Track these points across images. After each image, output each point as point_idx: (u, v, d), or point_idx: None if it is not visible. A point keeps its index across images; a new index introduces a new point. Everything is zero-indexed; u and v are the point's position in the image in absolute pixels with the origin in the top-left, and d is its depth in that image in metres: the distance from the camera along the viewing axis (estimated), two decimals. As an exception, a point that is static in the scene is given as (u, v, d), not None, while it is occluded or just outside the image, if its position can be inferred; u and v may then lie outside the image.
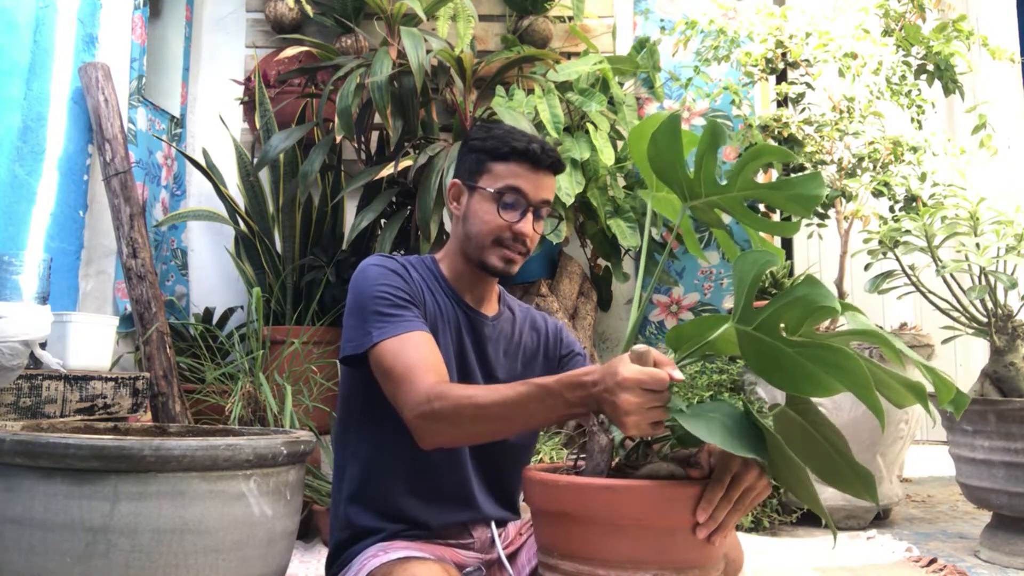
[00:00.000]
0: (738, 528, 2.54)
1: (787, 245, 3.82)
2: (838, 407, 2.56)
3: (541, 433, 2.65)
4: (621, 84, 3.39)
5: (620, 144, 3.18)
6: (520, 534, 1.37)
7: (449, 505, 1.29)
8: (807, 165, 2.86)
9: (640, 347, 0.99)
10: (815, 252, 3.75)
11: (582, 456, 1.11)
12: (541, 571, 1.04)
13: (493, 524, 1.33)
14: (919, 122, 2.85)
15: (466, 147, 1.37)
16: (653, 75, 3.49)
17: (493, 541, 1.32)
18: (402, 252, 3.05)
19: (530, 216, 1.31)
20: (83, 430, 1.39)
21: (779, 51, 2.90)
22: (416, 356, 1.18)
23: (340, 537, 1.31)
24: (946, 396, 0.95)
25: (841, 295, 2.90)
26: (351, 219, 3.10)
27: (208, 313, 3.25)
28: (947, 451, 2.37)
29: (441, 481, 1.28)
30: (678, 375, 0.97)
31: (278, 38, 3.53)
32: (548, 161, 1.32)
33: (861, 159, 2.85)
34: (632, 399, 0.94)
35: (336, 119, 2.81)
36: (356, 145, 3.18)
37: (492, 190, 1.30)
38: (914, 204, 2.72)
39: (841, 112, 2.84)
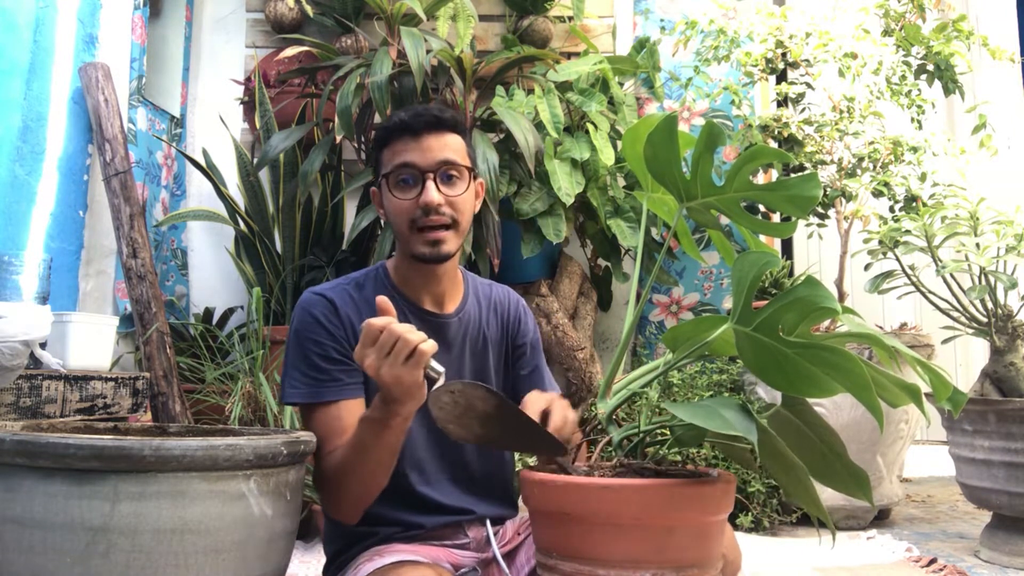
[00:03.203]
0: (738, 528, 2.55)
1: (787, 245, 3.82)
2: (838, 408, 2.56)
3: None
4: (621, 84, 3.39)
5: (620, 144, 3.18)
6: (518, 533, 1.37)
7: (434, 508, 1.29)
8: (807, 165, 2.86)
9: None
10: (815, 252, 3.75)
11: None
12: (540, 571, 1.04)
13: (488, 523, 1.32)
14: (919, 122, 2.85)
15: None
16: (653, 75, 3.49)
17: (489, 541, 1.32)
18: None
19: (430, 183, 1.22)
20: (83, 430, 1.40)
21: (779, 51, 2.90)
22: (322, 435, 1.20)
23: (335, 545, 1.31)
24: (943, 394, 0.95)
25: (841, 295, 2.90)
26: (351, 219, 3.10)
27: (208, 313, 3.25)
28: (947, 451, 2.37)
29: (420, 488, 1.27)
30: (381, 298, 1.05)
31: (278, 38, 3.53)
32: (422, 123, 1.23)
33: (861, 159, 2.85)
34: (371, 362, 1.01)
35: (336, 119, 2.81)
36: (356, 145, 3.19)
37: (384, 178, 1.26)
38: (914, 204, 2.72)
39: (841, 112, 2.84)
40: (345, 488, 1.17)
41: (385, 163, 1.27)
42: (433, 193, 1.22)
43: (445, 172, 1.24)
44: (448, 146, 1.25)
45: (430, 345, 1.02)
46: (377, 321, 1.02)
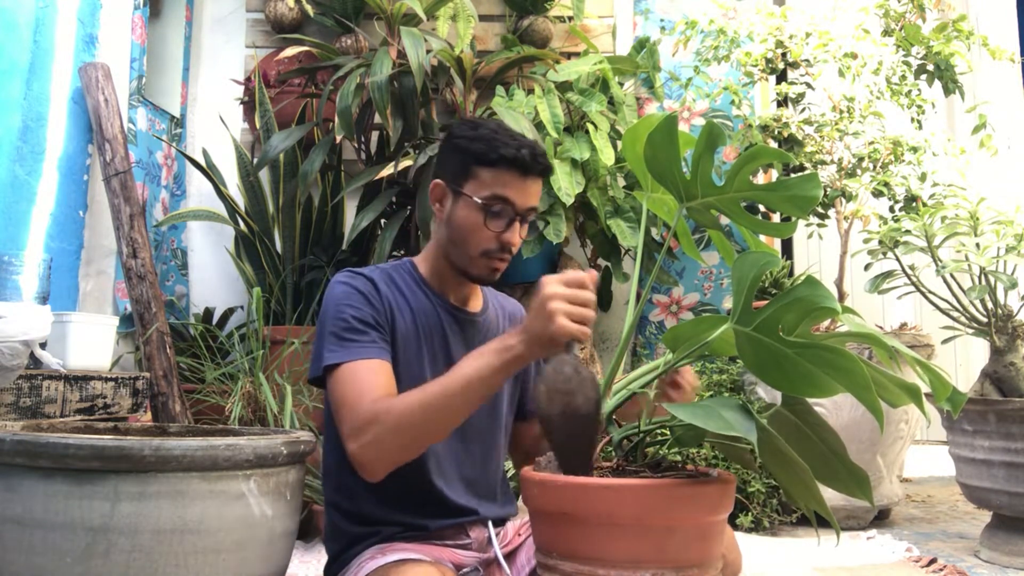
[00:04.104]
0: (738, 528, 2.54)
1: (787, 245, 3.82)
2: (838, 408, 2.56)
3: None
4: (621, 84, 3.39)
5: (620, 144, 3.18)
6: (519, 534, 1.37)
7: (440, 507, 1.29)
8: (807, 165, 2.86)
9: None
10: (815, 252, 3.75)
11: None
12: (540, 571, 1.04)
13: (490, 524, 1.33)
14: (919, 122, 2.85)
15: (450, 144, 1.30)
16: (653, 75, 3.49)
17: (490, 541, 1.32)
18: (402, 252, 3.05)
19: (517, 225, 1.27)
20: (83, 430, 1.40)
21: (779, 51, 2.90)
22: (362, 385, 1.16)
23: (338, 544, 1.31)
24: (943, 394, 0.95)
25: (841, 295, 2.90)
26: (351, 219, 3.10)
27: (208, 313, 3.25)
28: (947, 451, 2.37)
29: (435, 478, 1.27)
30: (593, 273, 1.08)
31: (278, 38, 3.53)
32: (538, 168, 1.26)
33: (861, 159, 2.85)
34: (556, 289, 1.03)
35: (336, 119, 2.81)
36: (356, 145, 3.19)
37: (479, 200, 1.24)
38: (914, 204, 2.72)
39: (841, 112, 2.84)
40: (403, 428, 1.10)
41: (482, 183, 1.25)
42: (517, 236, 1.28)
43: (527, 217, 1.29)
44: (538, 194, 1.30)
45: (587, 333, 1.04)
46: (587, 279, 1.05)
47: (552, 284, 1.03)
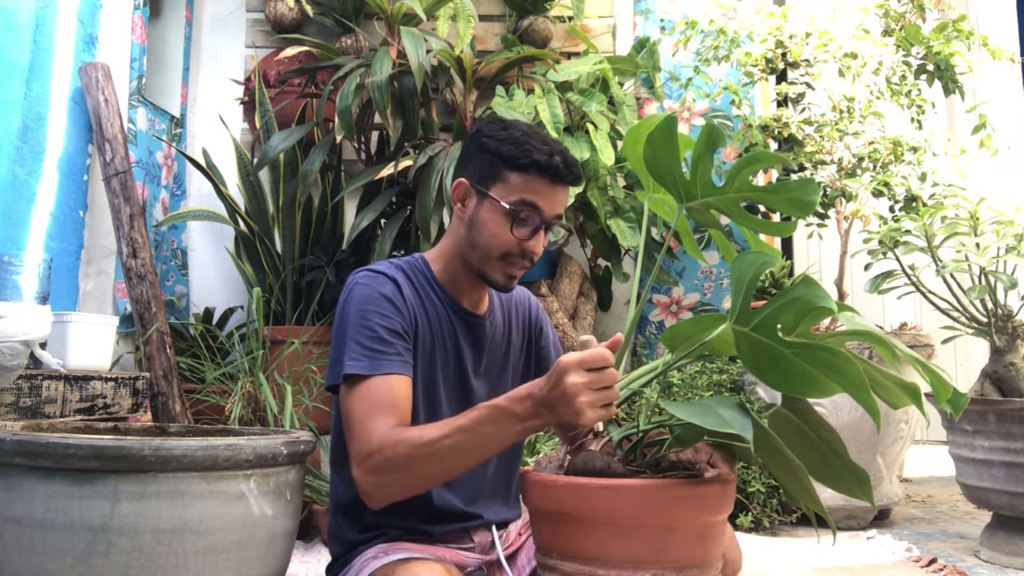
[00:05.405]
0: (738, 528, 2.54)
1: (787, 245, 3.82)
2: (838, 407, 2.56)
3: (542, 432, 2.65)
4: (621, 84, 3.39)
5: (620, 144, 3.18)
6: (520, 535, 1.37)
7: (445, 513, 1.28)
8: (807, 165, 2.86)
9: (584, 336, 1.03)
10: (815, 252, 3.75)
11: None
12: (540, 571, 1.04)
13: (494, 528, 1.33)
14: (919, 122, 2.85)
15: (477, 143, 1.26)
16: (653, 75, 3.49)
17: (494, 543, 1.32)
18: (401, 252, 3.05)
19: (541, 233, 1.24)
20: (83, 430, 1.40)
21: (779, 51, 2.90)
22: (377, 406, 1.12)
23: (339, 547, 1.30)
24: (944, 395, 0.95)
25: (841, 295, 2.90)
26: (351, 219, 3.10)
27: (208, 313, 3.25)
28: (947, 451, 2.37)
29: (429, 500, 1.26)
30: (619, 336, 1.03)
31: (278, 38, 3.53)
32: (570, 177, 1.23)
33: (861, 159, 2.85)
34: (578, 380, 0.97)
35: (336, 119, 2.81)
36: (356, 145, 3.19)
37: (507, 205, 1.21)
38: (914, 204, 2.71)
39: (841, 112, 2.84)
40: (408, 467, 1.08)
41: (511, 187, 1.21)
42: (540, 245, 1.25)
43: (552, 225, 1.26)
44: (565, 201, 1.27)
45: (614, 413, 1.02)
46: (608, 355, 1.00)
47: (574, 372, 0.97)
